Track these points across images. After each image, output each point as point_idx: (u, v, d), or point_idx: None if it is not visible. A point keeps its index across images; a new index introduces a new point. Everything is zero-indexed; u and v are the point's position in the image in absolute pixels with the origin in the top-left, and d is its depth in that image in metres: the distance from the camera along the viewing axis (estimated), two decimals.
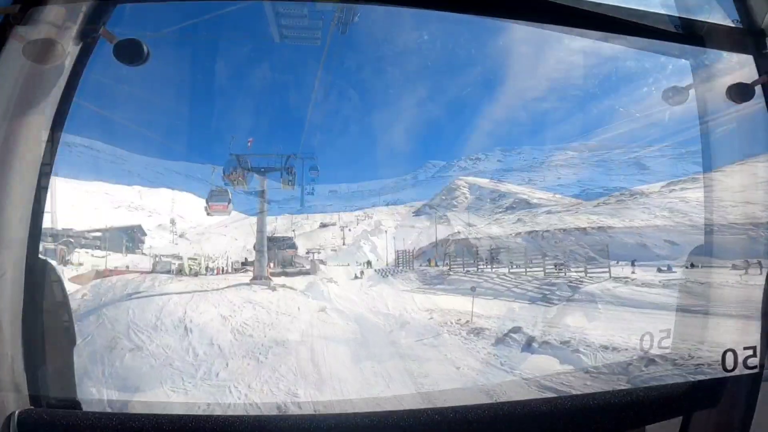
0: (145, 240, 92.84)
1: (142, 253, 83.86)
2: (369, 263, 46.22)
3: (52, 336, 1.00)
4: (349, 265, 66.95)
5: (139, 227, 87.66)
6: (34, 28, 0.84)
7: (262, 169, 24.28)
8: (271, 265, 48.21)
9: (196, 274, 33.22)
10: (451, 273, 26.72)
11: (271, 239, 51.10)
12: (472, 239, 45.79)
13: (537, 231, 40.86)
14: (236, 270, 42.94)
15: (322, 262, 46.23)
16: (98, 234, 78.93)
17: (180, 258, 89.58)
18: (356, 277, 31.07)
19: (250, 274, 29.43)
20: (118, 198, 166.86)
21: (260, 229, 23.69)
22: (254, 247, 24.68)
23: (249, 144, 25.52)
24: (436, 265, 32.55)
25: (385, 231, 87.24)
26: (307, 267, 44.55)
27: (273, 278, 29.75)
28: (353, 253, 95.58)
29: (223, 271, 42.06)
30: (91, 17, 0.91)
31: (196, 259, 37.44)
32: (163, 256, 73.84)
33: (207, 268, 38.82)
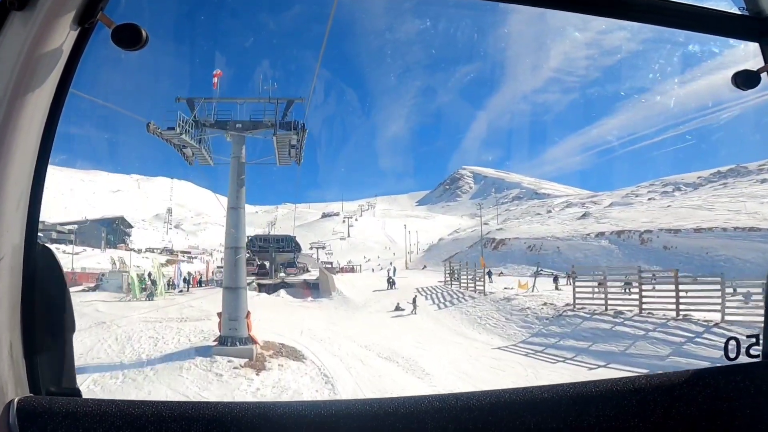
0: (131, 232, 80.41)
1: (128, 248, 71.70)
2: (394, 271, 33.98)
3: (52, 322, 0.97)
4: (370, 272, 54.46)
5: (122, 218, 74.51)
6: (31, 13, 0.82)
7: (239, 126, 11.70)
8: (266, 264, 36.90)
9: (150, 296, 21.15)
10: (576, 311, 14.25)
11: (264, 240, 38.30)
12: (528, 239, 33.82)
13: (631, 231, 28.60)
14: (220, 283, 30.78)
15: (332, 268, 33.68)
16: (73, 227, 66.40)
17: (170, 251, 76.99)
18: (398, 309, 18.84)
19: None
20: (114, 186, 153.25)
21: (232, 243, 11.17)
22: (224, 280, 12.17)
23: (215, 80, 12.97)
24: (533, 275, 20.14)
25: (404, 225, 74.47)
26: (314, 278, 32.02)
27: (266, 311, 17.53)
28: (371, 254, 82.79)
29: (201, 282, 29.96)
30: (89, 2, 0.89)
31: (155, 273, 25.01)
32: (133, 254, 61.49)
33: (171, 283, 26.37)
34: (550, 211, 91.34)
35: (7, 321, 0.88)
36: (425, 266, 42.56)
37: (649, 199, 71.97)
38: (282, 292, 28.33)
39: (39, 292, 0.94)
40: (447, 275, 24.37)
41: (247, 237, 40.59)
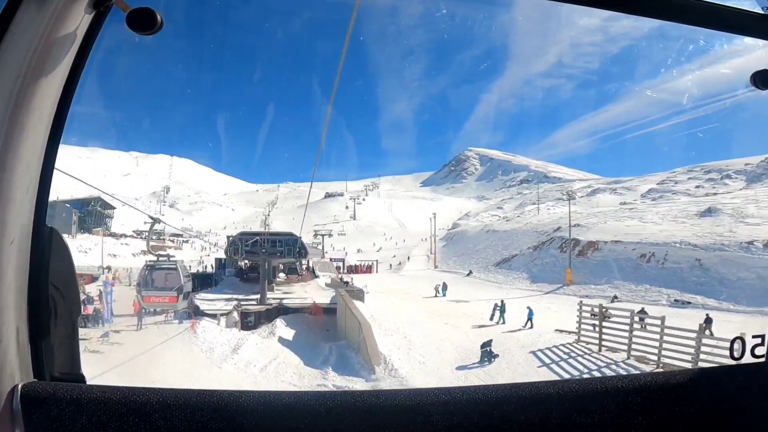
0: (113, 213, 68.47)
1: (107, 233, 59.91)
2: (444, 287, 22.44)
3: (58, 306, 0.93)
4: (388, 269, 42.66)
5: (99, 199, 62.39)
6: None
7: None
8: (256, 267, 22.75)
9: None
10: None
11: (254, 242, 25.58)
12: (639, 243, 22.57)
13: None
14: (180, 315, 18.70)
15: (351, 286, 21.63)
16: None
17: (159, 234, 64.69)
18: None
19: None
20: (112, 164, 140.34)
21: None
22: None
23: None
24: None
25: (434, 214, 62.36)
26: (329, 299, 19.06)
27: None
28: (381, 240, 70.86)
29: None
30: None
31: None
32: (110, 240, 50.41)
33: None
34: (573, 197, 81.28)
35: (15, 305, 0.83)
36: (471, 272, 31.28)
37: (697, 186, 61.30)
38: (278, 326, 16.97)
39: (46, 276, 0.89)
40: (579, 320, 12.76)
41: (228, 237, 29.08)
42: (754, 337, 1.10)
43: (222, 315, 17.00)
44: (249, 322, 17.89)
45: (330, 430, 0.81)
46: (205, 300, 18.14)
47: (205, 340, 14.13)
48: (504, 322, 15.53)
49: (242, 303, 18.45)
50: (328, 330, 17.76)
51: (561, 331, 13.89)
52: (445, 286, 22.79)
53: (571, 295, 20.88)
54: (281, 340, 15.82)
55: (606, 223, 28.10)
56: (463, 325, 14.71)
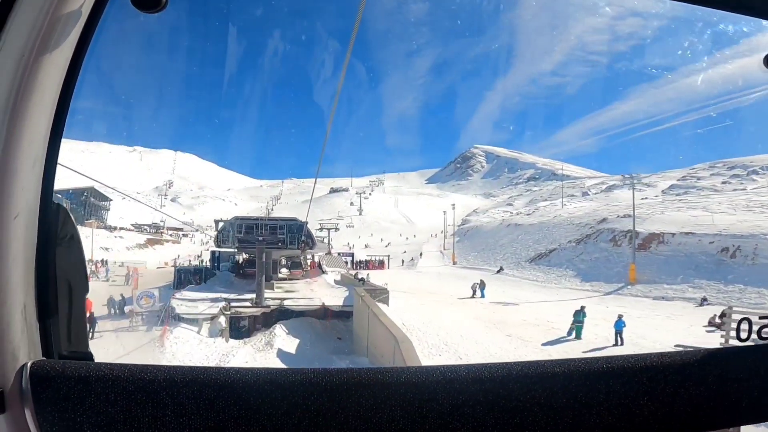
0: (109, 205, 64.70)
1: (100, 225, 56.10)
2: (482, 286, 18.33)
3: (65, 283, 0.92)
4: (400, 265, 38.61)
5: (92, 189, 58.55)
6: None
7: None
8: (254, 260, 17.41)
9: None
10: None
11: (249, 227, 21.11)
12: (716, 235, 18.32)
13: None
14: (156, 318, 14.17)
15: (373, 284, 17.49)
16: None
17: (157, 227, 60.80)
18: None
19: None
20: (115, 158, 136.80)
21: None
22: None
23: None
24: None
25: (452, 206, 58.21)
26: (339, 300, 16.79)
27: None
28: (388, 235, 66.93)
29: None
30: None
31: None
32: (102, 232, 46.81)
33: None
34: (586, 193, 78.00)
35: (22, 281, 0.82)
36: (501, 268, 27.27)
37: (723, 182, 57.55)
38: (278, 334, 13.08)
39: (53, 252, 0.88)
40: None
41: (219, 221, 24.68)
42: (761, 318, 1.06)
43: (205, 320, 12.95)
44: (242, 327, 13.87)
45: (335, 406, 0.80)
46: (185, 300, 14.08)
47: (174, 355, 10.10)
48: (579, 337, 11.36)
49: (233, 304, 14.39)
50: (340, 338, 13.82)
51: (684, 347, 9.85)
52: (483, 285, 18.73)
53: (640, 296, 16.92)
54: (281, 355, 11.82)
55: (663, 214, 23.97)
56: (532, 337, 10.72)
